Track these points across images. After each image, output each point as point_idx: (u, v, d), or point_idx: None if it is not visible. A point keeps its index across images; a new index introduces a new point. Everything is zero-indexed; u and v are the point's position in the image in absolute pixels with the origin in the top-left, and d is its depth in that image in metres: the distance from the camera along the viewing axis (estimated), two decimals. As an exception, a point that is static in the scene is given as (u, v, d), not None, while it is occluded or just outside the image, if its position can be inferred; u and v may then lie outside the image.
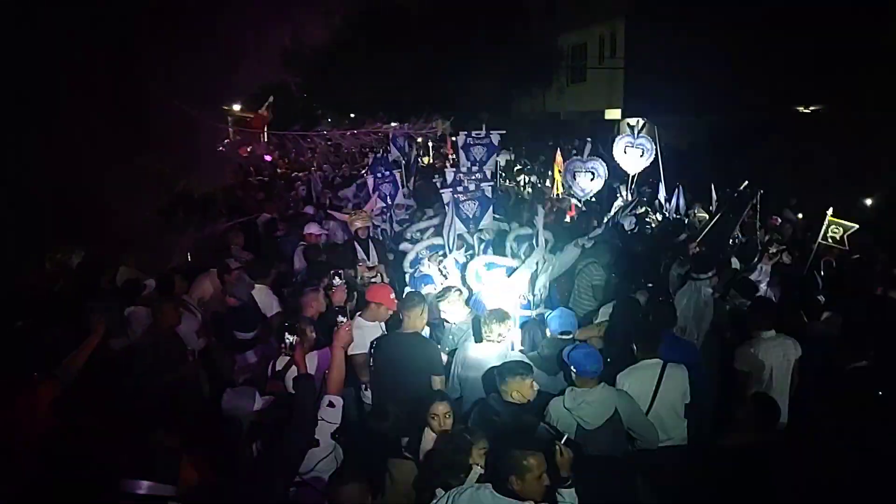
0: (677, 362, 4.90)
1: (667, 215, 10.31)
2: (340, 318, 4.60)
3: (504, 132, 9.67)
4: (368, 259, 7.69)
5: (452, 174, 7.63)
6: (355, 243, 7.82)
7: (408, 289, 6.96)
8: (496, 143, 8.93)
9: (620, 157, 9.49)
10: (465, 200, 7.09)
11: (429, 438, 4.28)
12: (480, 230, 7.33)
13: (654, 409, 4.75)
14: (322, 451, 3.98)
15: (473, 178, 7.52)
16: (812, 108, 14.98)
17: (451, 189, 7.15)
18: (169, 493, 3.17)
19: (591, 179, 9.70)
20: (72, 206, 7.05)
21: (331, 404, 4.10)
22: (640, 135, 9.40)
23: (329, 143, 15.15)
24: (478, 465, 3.75)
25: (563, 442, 3.67)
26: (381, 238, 8.62)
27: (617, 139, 10.81)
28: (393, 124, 9.64)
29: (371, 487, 3.39)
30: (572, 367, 4.55)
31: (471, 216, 7.12)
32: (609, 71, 24.03)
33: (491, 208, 7.26)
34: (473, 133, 8.94)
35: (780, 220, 9.11)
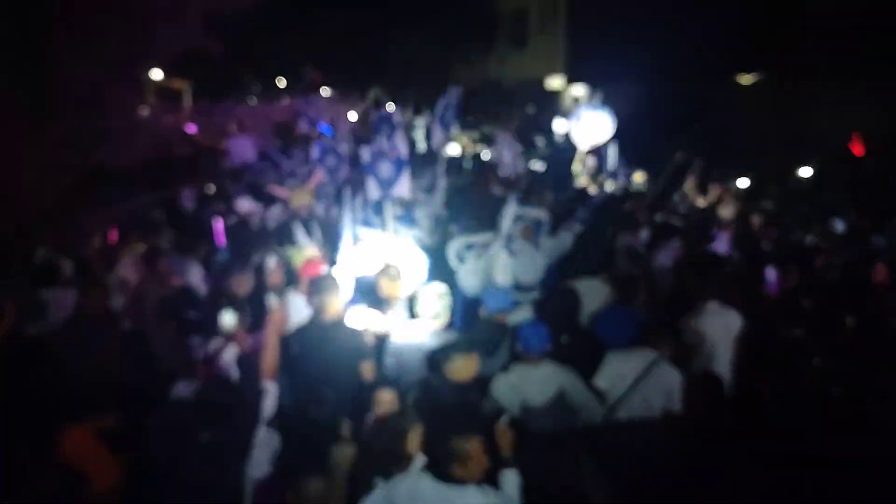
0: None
1: (606, 182, 10.34)
2: (273, 299, 4.36)
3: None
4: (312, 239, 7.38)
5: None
6: (297, 222, 7.44)
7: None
8: (400, 120, 8.83)
9: (577, 131, 9.35)
10: (379, 161, 6.92)
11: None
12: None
13: (628, 402, 4.50)
14: (257, 439, 3.79)
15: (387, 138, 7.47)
16: (752, 77, 15.27)
17: (368, 147, 7.09)
18: None
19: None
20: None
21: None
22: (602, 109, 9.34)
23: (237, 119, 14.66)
24: (418, 452, 3.62)
25: (506, 421, 3.60)
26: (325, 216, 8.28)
27: (577, 112, 10.76)
28: (326, 90, 9.49)
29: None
30: (518, 344, 4.47)
31: (384, 177, 6.90)
32: (551, 37, 23.90)
33: (407, 174, 7.04)
34: (384, 110, 8.99)
35: (723, 189, 9.29)
